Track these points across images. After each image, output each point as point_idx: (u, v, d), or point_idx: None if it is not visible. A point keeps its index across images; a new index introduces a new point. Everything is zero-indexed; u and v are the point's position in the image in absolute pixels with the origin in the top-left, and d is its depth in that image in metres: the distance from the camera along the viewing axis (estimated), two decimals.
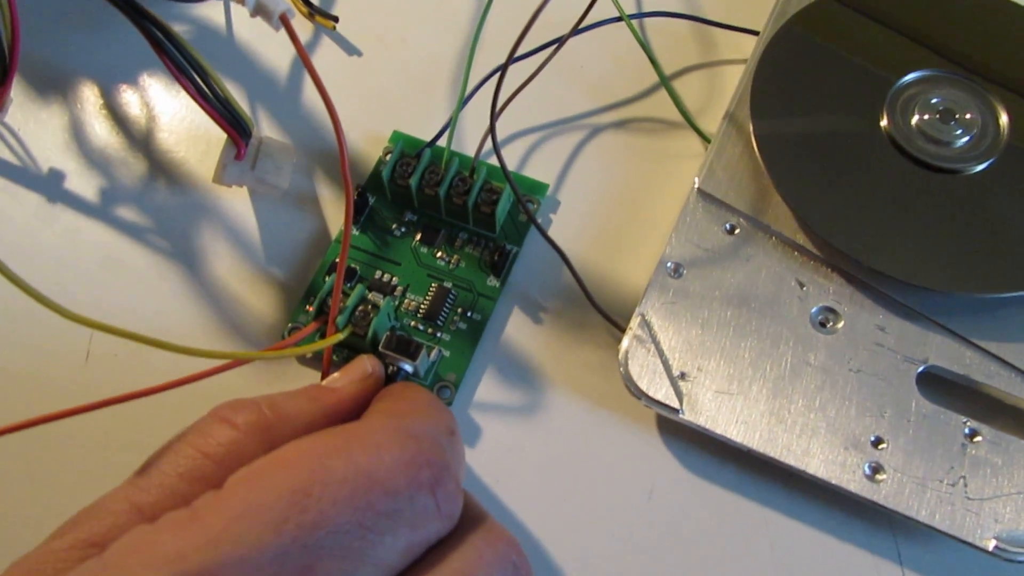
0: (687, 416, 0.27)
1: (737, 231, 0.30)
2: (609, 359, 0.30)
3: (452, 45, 0.36)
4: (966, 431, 0.26)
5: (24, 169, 0.34)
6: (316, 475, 0.19)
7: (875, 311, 0.28)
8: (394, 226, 0.31)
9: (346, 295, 0.28)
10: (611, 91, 0.35)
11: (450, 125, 0.32)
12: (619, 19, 0.34)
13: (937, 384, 0.28)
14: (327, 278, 0.30)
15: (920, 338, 0.28)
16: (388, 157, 0.32)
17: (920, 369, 0.27)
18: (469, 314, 0.30)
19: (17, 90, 0.35)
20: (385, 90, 0.35)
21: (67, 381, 0.30)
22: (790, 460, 0.26)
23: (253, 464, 0.19)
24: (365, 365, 0.26)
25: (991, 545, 0.25)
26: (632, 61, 0.35)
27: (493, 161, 0.32)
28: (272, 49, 0.36)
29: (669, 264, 0.29)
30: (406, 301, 0.30)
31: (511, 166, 0.33)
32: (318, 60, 0.36)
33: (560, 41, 0.33)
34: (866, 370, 0.27)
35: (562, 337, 0.30)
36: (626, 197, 0.33)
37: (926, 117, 0.30)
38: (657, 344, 0.28)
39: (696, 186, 0.30)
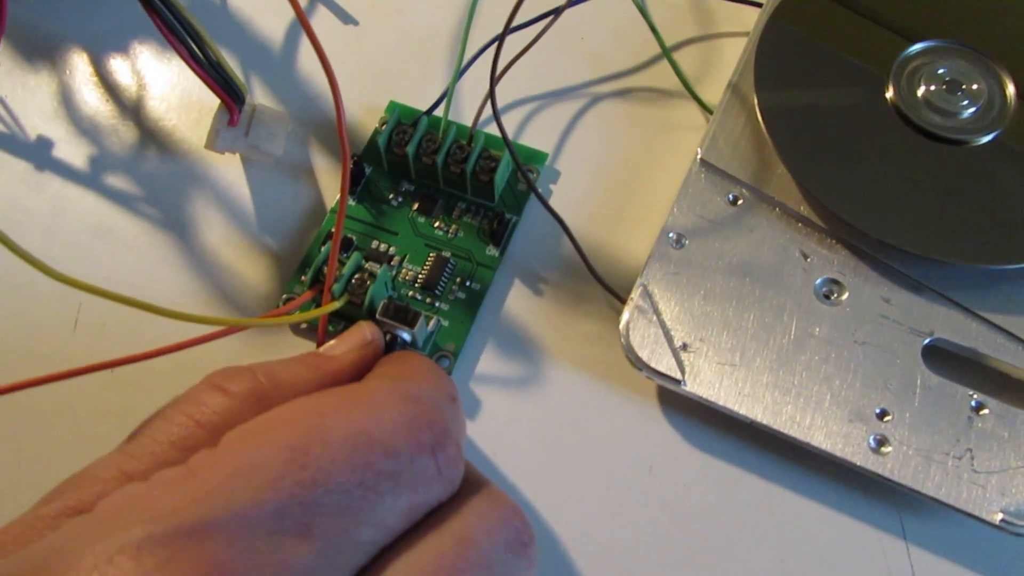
0: (689, 387, 0.26)
1: (740, 202, 0.29)
2: (610, 331, 0.29)
3: (449, 15, 0.36)
4: (972, 404, 0.26)
5: (12, 136, 0.33)
6: (314, 433, 0.18)
7: (880, 283, 0.28)
8: (391, 196, 0.31)
9: (342, 264, 0.27)
10: (611, 61, 0.34)
11: (447, 94, 0.31)
12: None
13: (943, 357, 0.27)
14: (323, 248, 0.29)
15: (926, 311, 0.27)
16: (384, 127, 0.31)
17: (926, 341, 0.27)
18: (468, 284, 0.29)
19: (5, 56, 0.34)
20: (382, 60, 0.35)
21: (54, 351, 0.29)
22: (794, 432, 0.26)
23: (249, 423, 0.19)
24: (364, 332, 0.25)
25: (998, 518, 0.24)
26: (632, 32, 0.35)
27: (491, 130, 0.32)
28: (267, 17, 0.36)
29: (671, 234, 0.29)
30: (404, 271, 0.29)
31: (509, 135, 0.33)
32: (314, 28, 0.35)
33: (557, 11, 0.32)
34: (871, 342, 0.27)
35: (562, 308, 0.30)
36: (627, 167, 0.32)
37: (932, 88, 0.30)
38: (659, 315, 0.27)
39: (699, 156, 0.30)
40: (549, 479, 0.27)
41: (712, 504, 0.27)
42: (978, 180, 0.28)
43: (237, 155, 0.32)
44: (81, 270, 0.30)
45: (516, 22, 0.32)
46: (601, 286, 0.29)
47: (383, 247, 0.30)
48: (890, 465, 0.25)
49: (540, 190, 0.32)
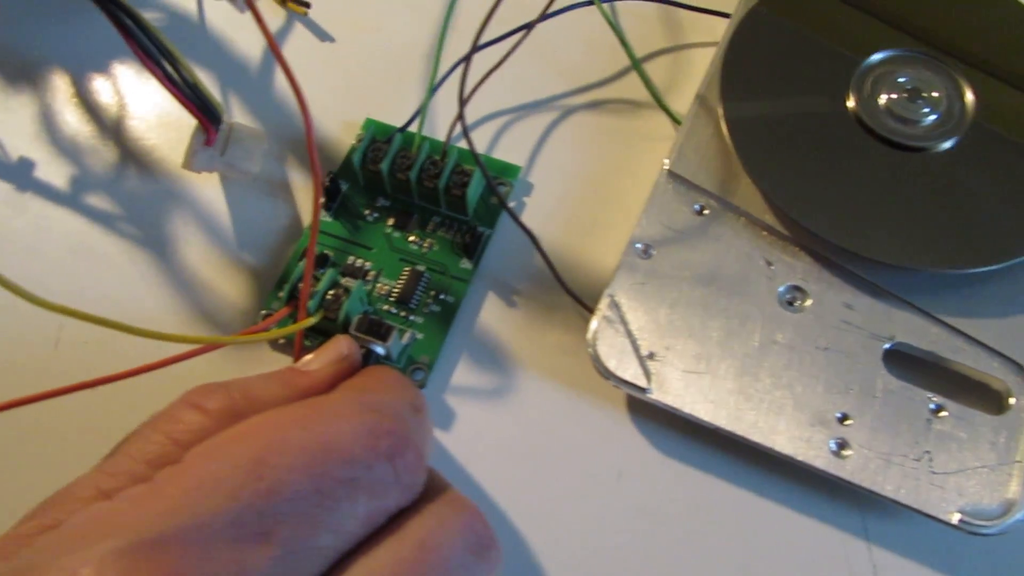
0: (655, 395, 0.27)
1: (706, 211, 0.30)
2: (580, 341, 0.30)
3: (426, 31, 0.36)
4: (931, 406, 0.27)
5: None
6: (273, 445, 0.19)
7: (842, 289, 0.29)
8: (367, 212, 0.31)
9: (317, 280, 0.28)
10: (583, 74, 0.35)
11: (420, 112, 0.32)
12: (590, 3, 0.34)
13: (904, 361, 0.28)
14: (299, 264, 0.30)
15: (887, 315, 0.28)
16: (359, 144, 0.32)
17: (886, 346, 0.28)
18: (442, 296, 0.30)
19: None
20: (359, 77, 0.35)
21: (37, 369, 0.30)
22: (756, 437, 0.26)
23: (213, 438, 0.20)
24: (341, 347, 0.26)
25: (955, 518, 0.25)
26: (604, 44, 0.35)
27: (465, 145, 0.32)
28: (244, 35, 0.36)
29: (638, 245, 0.29)
30: (379, 285, 0.30)
31: (483, 149, 0.33)
32: (291, 46, 0.36)
33: (528, 26, 0.33)
34: (833, 348, 0.28)
35: (535, 319, 0.30)
36: (598, 179, 0.33)
37: (894, 96, 0.30)
38: (626, 324, 0.28)
39: (666, 167, 0.30)
40: (520, 487, 0.28)
41: (679, 509, 0.27)
42: (938, 186, 0.29)
43: (215, 173, 0.33)
44: (63, 289, 0.31)
45: (489, 37, 0.33)
46: (571, 297, 0.30)
47: (359, 262, 0.31)
48: (850, 468, 0.26)
49: (514, 203, 0.32)
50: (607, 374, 0.27)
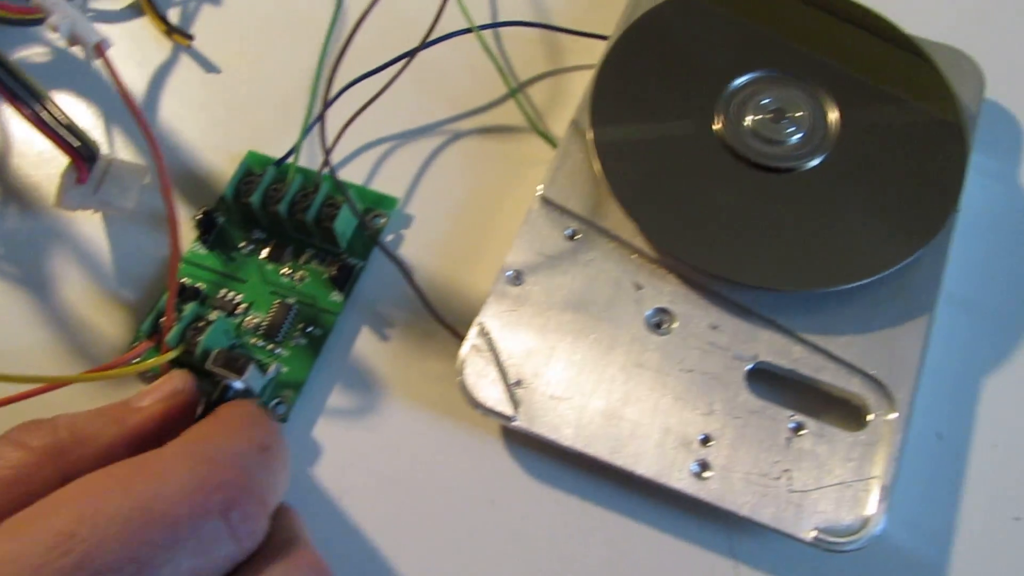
0: (521, 423, 0.27)
1: (578, 236, 0.30)
2: (453, 370, 0.30)
3: (313, 61, 0.36)
4: (791, 425, 0.27)
5: None
6: (85, 515, 0.19)
7: (709, 310, 0.29)
8: (242, 244, 0.31)
9: (182, 313, 0.28)
10: (467, 100, 0.35)
11: (295, 149, 0.32)
12: (469, 30, 0.34)
13: (767, 380, 0.28)
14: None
15: (751, 335, 0.28)
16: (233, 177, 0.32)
17: (750, 366, 0.28)
18: (310, 329, 0.30)
19: None
20: (244, 108, 0.35)
21: None
22: (620, 462, 0.27)
23: (27, 509, 0.19)
24: (174, 382, 0.25)
25: (811, 536, 0.25)
26: (488, 69, 0.35)
27: (345, 176, 0.33)
28: (130, 67, 0.36)
29: (509, 272, 0.29)
30: (248, 318, 0.30)
31: (363, 180, 0.33)
32: (176, 78, 0.36)
33: (411, 54, 0.33)
34: (698, 369, 0.28)
35: (409, 349, 0.30)
36: (477, 206, 0.33)
37: (759, 117, 0.31)
38: (495, 352, 0.28)
39: (539, 193, 0.31)
40: (391, 518, 0.28)
41: (551, 534, 0.27)
42: (804, 205, 0.29)
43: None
44: None
45: (375, 64, 0.33)
46: (443, 326, 0.30)
47: (230, 295, 0.30)
48: (710, 489, 0.26)
49: (392, 233, 0.32)
50: (474, 403, 0.27)
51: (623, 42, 0.32)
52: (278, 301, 0.30)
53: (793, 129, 0.30)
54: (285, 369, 0.29)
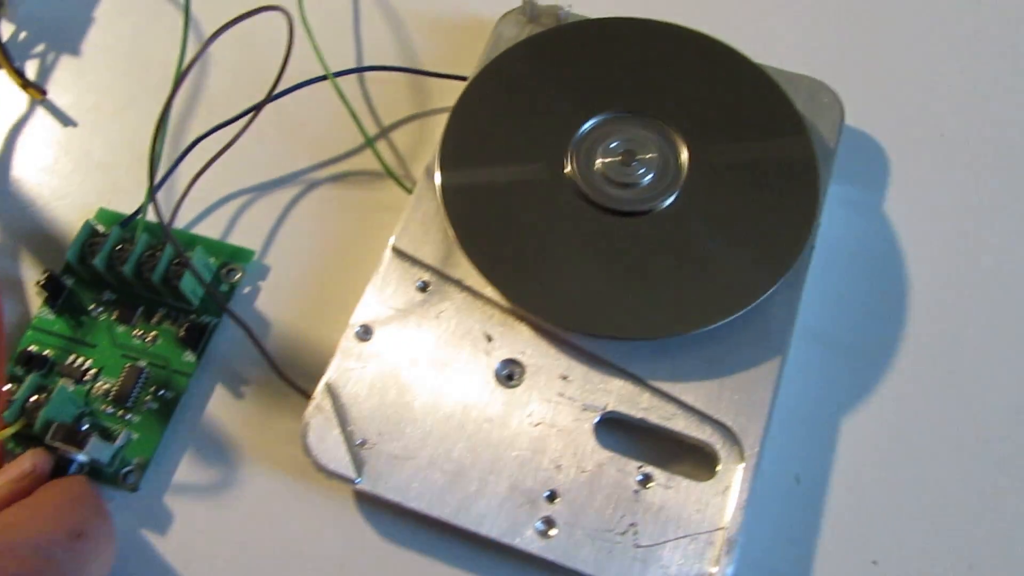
0: (364, 486, 0.27)
1: (429, 287, 0.30)
2: None
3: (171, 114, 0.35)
4: (639, 477, 0.27)
5: None
6: None
7: (559, 360, 0.28)
8: (92, 307, 0.31)
9: (20, 384, 0.27)
10: (328, 148, 0.35)
11: (142, 209, 0.31)
12: (324, 78, 0.34)
13: (618, 429, 0.28)
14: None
15: (602, 384, 0.28)
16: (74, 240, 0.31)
17: (598, 418, 0.27)
18: (161, 392, 0.29)
19: None
20: (100, 162, 0.35)
21: None
22: (464, 523, 0.26)
23: None
24: (24, 464, 0.25)
25: None
26: (347, 116, 0.35)
27: (199, 230, 0.32)
28: None
29: (358, 328, 0.29)
30: (98, 384, 0.29)
31: (219, 234, 0.33)
32: (31, 131, 0.35)
33: (258, 107, 0.32)
34: (546, 422, 0.27)
35: (263, 409, 0.30)
36: (334, 256, 0.32)
37: (608, 160, 0.30)
38: (340, 412, 0.28)
39: (391, 244, 0.30)
40: None
41: None
42: (656, 248, 0.29)
43: None
44: None
45: (233, 113, 0.33)
46: (291, 387, 0.29)
47: (79, 360, 0.30)
48: (554, 547, 0.26)
49: (248, 287, 0.32)
50: (317, 465, 0.27)
51: (476, 84, 0.32)
52: (128, 365, 0.29)
53: (643, 171, 0.30)
54: (135, 436, 0.28)
